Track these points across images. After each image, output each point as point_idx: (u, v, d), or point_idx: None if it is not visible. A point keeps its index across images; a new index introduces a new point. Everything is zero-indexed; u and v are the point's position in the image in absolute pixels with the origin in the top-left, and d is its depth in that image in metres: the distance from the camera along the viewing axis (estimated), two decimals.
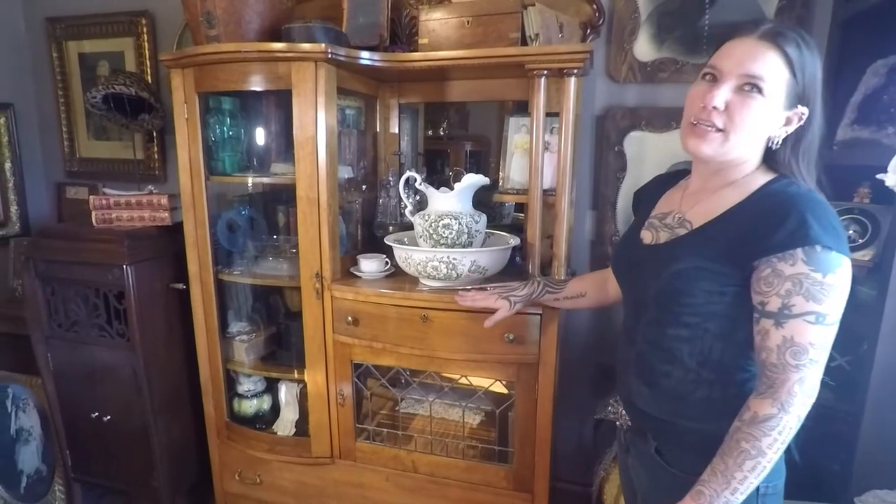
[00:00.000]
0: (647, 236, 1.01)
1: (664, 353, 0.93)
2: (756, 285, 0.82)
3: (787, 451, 0.92)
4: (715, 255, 0.86)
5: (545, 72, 1.42)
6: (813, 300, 0.78)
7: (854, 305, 1.17)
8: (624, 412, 1.08)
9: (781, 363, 0.80)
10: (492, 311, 1.34)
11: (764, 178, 0.89)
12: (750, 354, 0.87)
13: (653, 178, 1.15)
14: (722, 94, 0.84)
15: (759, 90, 0.82)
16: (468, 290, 1.43)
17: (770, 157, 0.90)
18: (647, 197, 1.09)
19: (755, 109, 0.83)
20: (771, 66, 0.82)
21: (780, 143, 0.88)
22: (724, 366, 0.90)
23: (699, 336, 0.89)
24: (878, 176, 1.16)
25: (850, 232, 1.27)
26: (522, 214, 1.72)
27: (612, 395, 1.63)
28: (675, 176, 1.08)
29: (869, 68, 1.30)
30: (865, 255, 1.24)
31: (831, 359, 1.28)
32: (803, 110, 0.85)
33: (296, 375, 1.76)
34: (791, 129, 0.87)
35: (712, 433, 0.86)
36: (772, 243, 0.79)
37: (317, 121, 1.46)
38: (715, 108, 0.84)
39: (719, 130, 0.85)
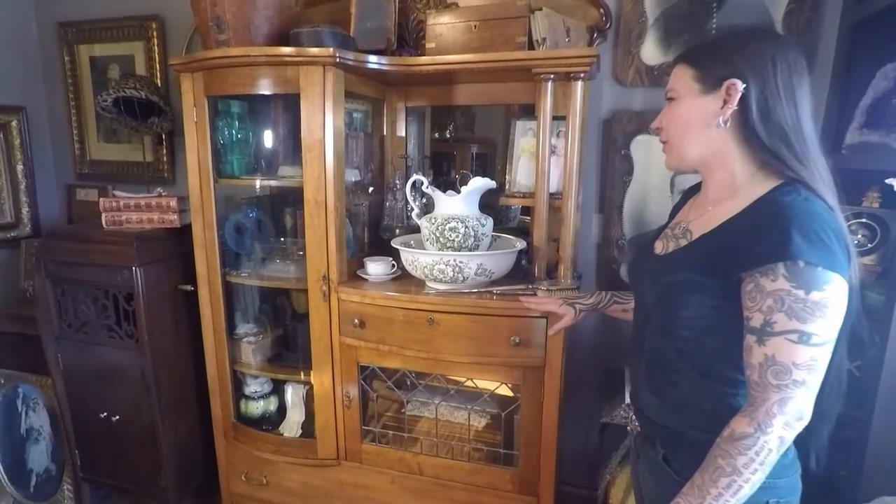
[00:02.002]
0: (658, 246, 1.01)
1: (669, 363, 0.93)
2: (743, 300, 0.80)
3: (804, 457, 0.90)
4: (704, 267, 0.84)
5: (552, 76, 1.42)
6: (796, 318, 0.74)
7: (863, 311, 1.17)
8: (635, 418, 1.07)
9: (763, 382, 0.77)
10: (557, 317, 1.34)
11: (766, 185, 0.85)
12: None
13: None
14: (659, 117, 0.98)
15: (673, 99, 0.94)
16: (533, 291, 1.43)
17: (763, 150, 0.85)
18: (674, 211, 1.11)
19: (674, 111, 0.94)
20: (677, 76, 0.93)
21: (728, 120, 0.85)
22: (727, 378, 0.88)
23: (698, 349, 0.88)
24: (888, 181, 1.15)
25: (859, 237, 1.25)
26: (529, 217, 1.72)
27: (617, 398, 1.63)
28: (697, 188, 1.07)
29: (879, 72, 1.29)
30: (874, 260, 1.23)
31: None
32: (733, 81, 0.83)
33: (302, 377, 1.77)
34: (733, 102, 0.84)
35: None
36: (754, 256, 0.77)
37: (324, 124, 1.47)
38: (658, 129, 0.99)
39: (667, 143, 0.97)
